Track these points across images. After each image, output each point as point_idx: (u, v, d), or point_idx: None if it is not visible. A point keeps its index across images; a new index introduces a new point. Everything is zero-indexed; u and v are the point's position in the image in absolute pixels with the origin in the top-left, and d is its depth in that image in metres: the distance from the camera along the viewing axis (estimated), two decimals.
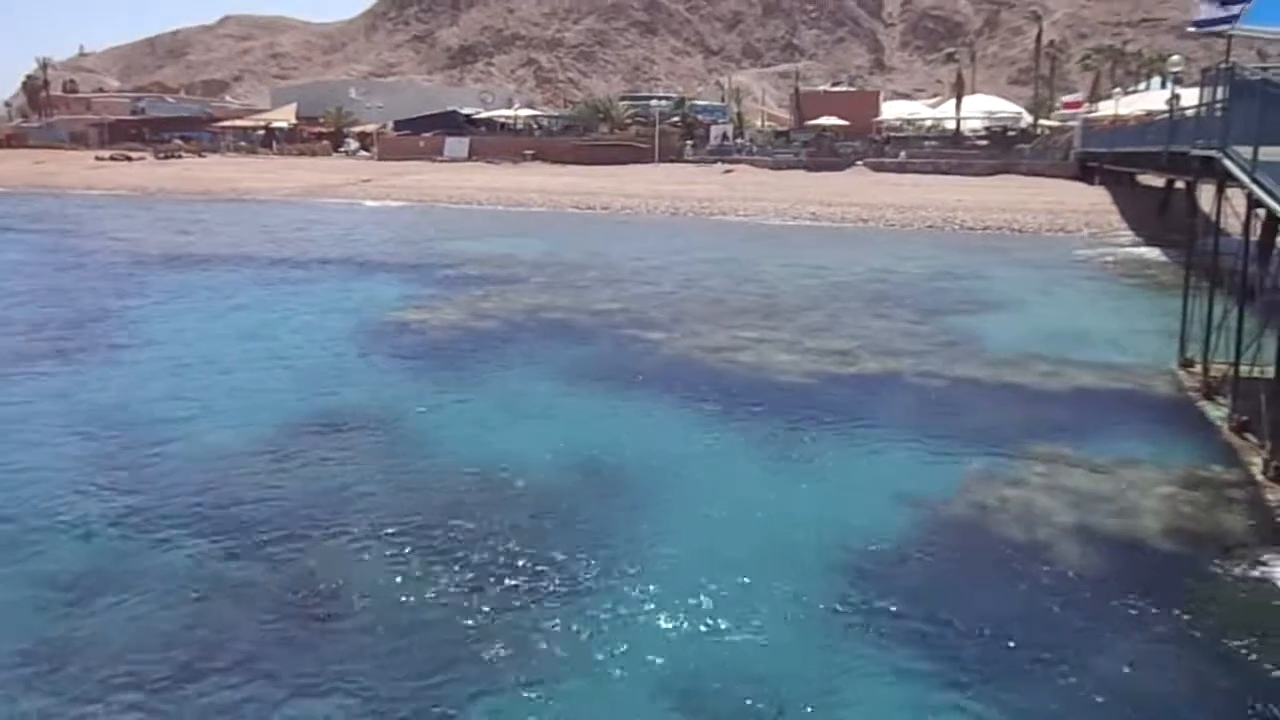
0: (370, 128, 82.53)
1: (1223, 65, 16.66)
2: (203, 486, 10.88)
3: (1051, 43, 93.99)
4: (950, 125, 66.82)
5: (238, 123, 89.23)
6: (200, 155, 76.75)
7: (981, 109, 68.34)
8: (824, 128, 67.30)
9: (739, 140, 71.22)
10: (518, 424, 13.23)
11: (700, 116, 77.64)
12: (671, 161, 66.02)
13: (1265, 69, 15.01)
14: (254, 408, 13.76)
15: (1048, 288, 24.81)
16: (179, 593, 8.58)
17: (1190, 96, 25.93)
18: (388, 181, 56.97)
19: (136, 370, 15.94)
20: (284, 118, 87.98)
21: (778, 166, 61.40)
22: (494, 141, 75.10)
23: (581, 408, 14.07)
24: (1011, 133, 63.72)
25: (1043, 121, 66.45)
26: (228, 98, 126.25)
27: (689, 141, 69.46)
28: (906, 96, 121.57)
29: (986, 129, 65.88)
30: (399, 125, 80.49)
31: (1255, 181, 12.55)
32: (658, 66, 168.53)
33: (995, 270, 27.39)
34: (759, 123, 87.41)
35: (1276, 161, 11.62)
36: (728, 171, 60.34)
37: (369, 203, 49.54)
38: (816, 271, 26.80)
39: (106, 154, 74.53)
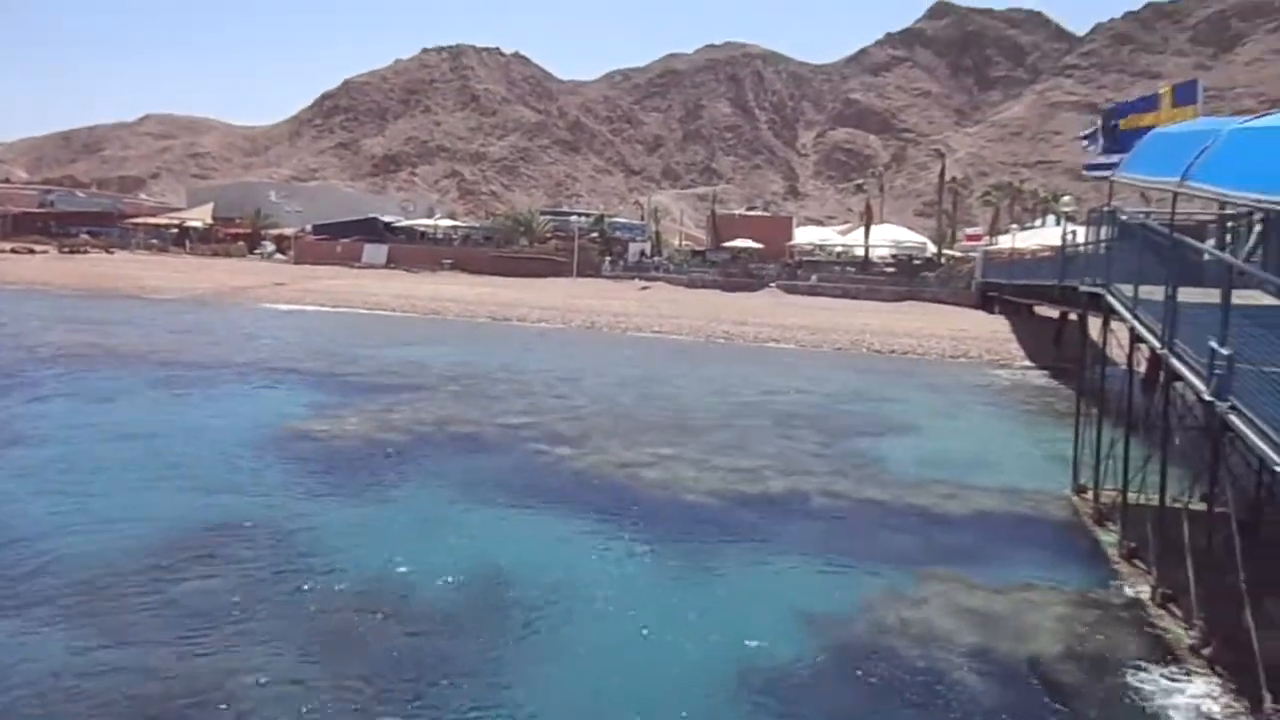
0: (288, 231, 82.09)
1: (1105, 207, 17.76)
2: (71, 599, 10.26)
3: (954, 179, 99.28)
4: (860, 252, 69.35)
5: (151, 220, 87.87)
6: (109, 251, 75.08)
7: (889, 238, 71.14)
8: (739, 249, 69.29)
9: (656, 258, 72.80)
10: (415, 541, 12.87)
11: (619, 233, 79.27)
12: (589, 276, 66.86)
13: (1148, 213, 16.00)
14: (132, 518, 13.12)
15: (950, 411, 25.49)
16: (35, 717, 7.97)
17: (1081, 234, 27.50)
18: (303, 285, 56.37)
19: (4, 472, 15.14)
20: (200, 217, 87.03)
21: (694, 285, 62.72)
22: (413, 249, 75.33)
23: (483, 524, 13.78)
24: (917, 261, 66.38)
25: (946, 251, 69.46)
26: (143, 195, 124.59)
27: (607, 257, 70.64)
28: (819, 223, 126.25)
29: (894, 257, 68.52)
30: (318, 229, 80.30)
31: (1136, 318, 13.23)
32: (579, 183, 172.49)
33: (901, 393, 28.08)
34: (676, 242, 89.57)
35: (1155, 300, 12.29)
36: (644, 288, 61.33)
37: (282, 306, 48.85)
38: (728, 389, 27.13)
39: (8, 246, 72.42)
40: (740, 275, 64.47)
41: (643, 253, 73.68)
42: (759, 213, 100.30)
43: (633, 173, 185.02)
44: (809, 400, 26.10)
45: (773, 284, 62.20)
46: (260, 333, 37.27)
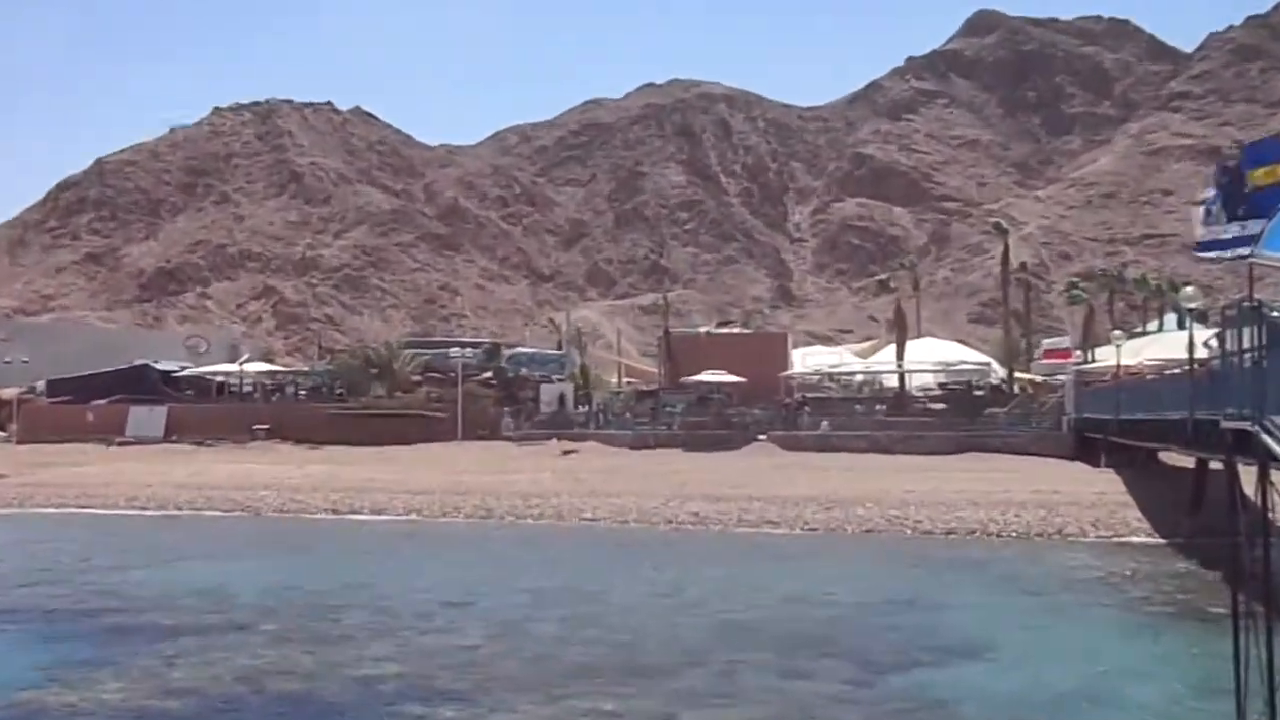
0: (8, 392, 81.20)
1: (1248, 302, 18.24)
2: None
3: (1024, 266, 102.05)
4: (891, 381, 70.42)
5: None
6: None
7: (934, 358, 72.54)
8: (709, 386, 69.94)
9: (585, 406, 73.14)
10: None
11: (526, 371, 79.79)
12: (483, 438, 66.85)
13: None
14: None
15: (1043, 621, 25.50)
16: None
17: (1217, 342, 28.22)
18: (32, 478, 55.56)
19: None
20: None
21: (642, 444, 62.99)
22: (207, 411, 75.10)
23: None
24: (978, 391, 67.57)
25: (1020, 375, 70.86)
26: None
27: (509, 409, 70.80)
28: (826, 340, 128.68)
29: (942, 386, 69.68)
30: (55, 388, 79.64)
31: None
32: (461, 298, 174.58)
33: (966, 595, 28.10)
34: (614, 379, 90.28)
35: None
36: (567, 453, 61.34)
37: None
38: (701, 603, 26.94)
39: None
40: (713, 425, 64.91)
41: (563, 398, 74.08)
42: (736, 330, 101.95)
43: (542, 278, 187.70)
44: (828, 613, 25.96)
45: (762, 436, 62.63)
46: None
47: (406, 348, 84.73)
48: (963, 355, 75.83)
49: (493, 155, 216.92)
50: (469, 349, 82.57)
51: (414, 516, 44.97)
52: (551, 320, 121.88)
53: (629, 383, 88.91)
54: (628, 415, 69.94)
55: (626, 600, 27.77)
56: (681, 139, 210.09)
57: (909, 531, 38.97)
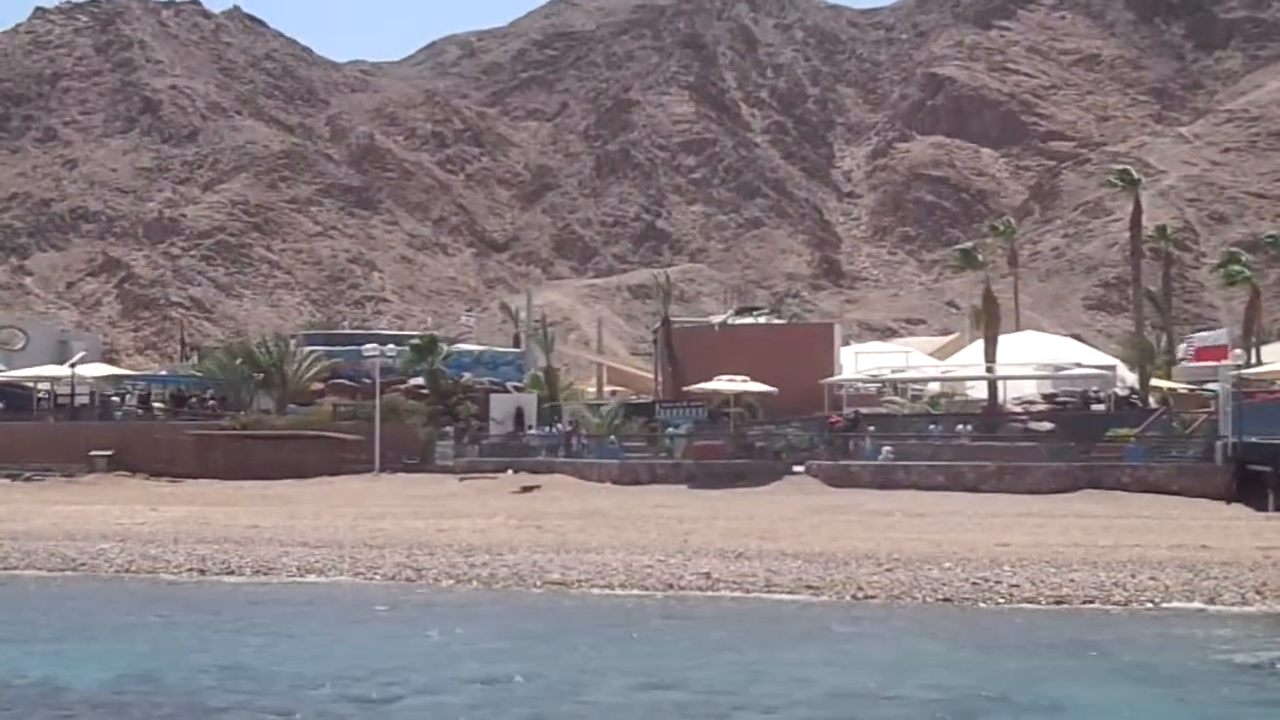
0: None
1: None
2: None
3: (1163, 231, 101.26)
4: (978, 393, 70.49)
5: None
6: None
7: (1038, 359, 72.51)
8: (724, 396, 69.92)
9: (551, 426, 73.10)
10: None
11: (470, 377, 79.81)
12: (410, 469, 66.79)
13: None
14: None
15: None
16: None
17: None
18: None
19: None
20: None
21: (631, 478, 63.14)
22: (23, 433, 74.85)
23: None
24: (1098, 406, 67.60)
25: (1158, 383, 70.92)
26: None
27: (446, 429, 70.76)
28: (888, 333, 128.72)
29: (1049, 399, 69.75)
30: None
31: None
32: (380, 275, 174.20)
33: (1082, 691, 28.10)
34: (593, 388, 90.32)
35: None
36: (528, 490, 61.36)
37: None
38: (712, 703, 26.92)
39: None
40: (731, 453, 64.89)
41: (521, 414, 73.99)
42: (763, 320, 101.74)
43: (493, 248, 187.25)
44: (889, 714, 26.02)
45: (799, 467, 62.63)
46: None
47: (305, 344, 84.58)
48: (1078, 355, 75.99)
49: (424, 77, 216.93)
50: (391, 345, 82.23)
51: (314, 578, 44.81)
52: (506, 306, 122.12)
53: (614, 392, 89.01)
54: (612, 438, 69.78)
55: (610, 698, 27.70)
56: (686, 53, 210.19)
57: (1002, 600, 38.99)
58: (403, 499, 59.83)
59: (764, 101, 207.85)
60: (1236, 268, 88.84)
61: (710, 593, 41.19)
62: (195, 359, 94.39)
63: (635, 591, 41.66)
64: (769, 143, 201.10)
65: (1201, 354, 74.84)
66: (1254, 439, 52.65)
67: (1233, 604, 37.83)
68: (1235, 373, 62.34)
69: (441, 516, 54.24)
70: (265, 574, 45.66)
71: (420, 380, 76.87)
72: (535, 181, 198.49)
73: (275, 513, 55.90)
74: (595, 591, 41.80)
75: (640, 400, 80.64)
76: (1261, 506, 50.89)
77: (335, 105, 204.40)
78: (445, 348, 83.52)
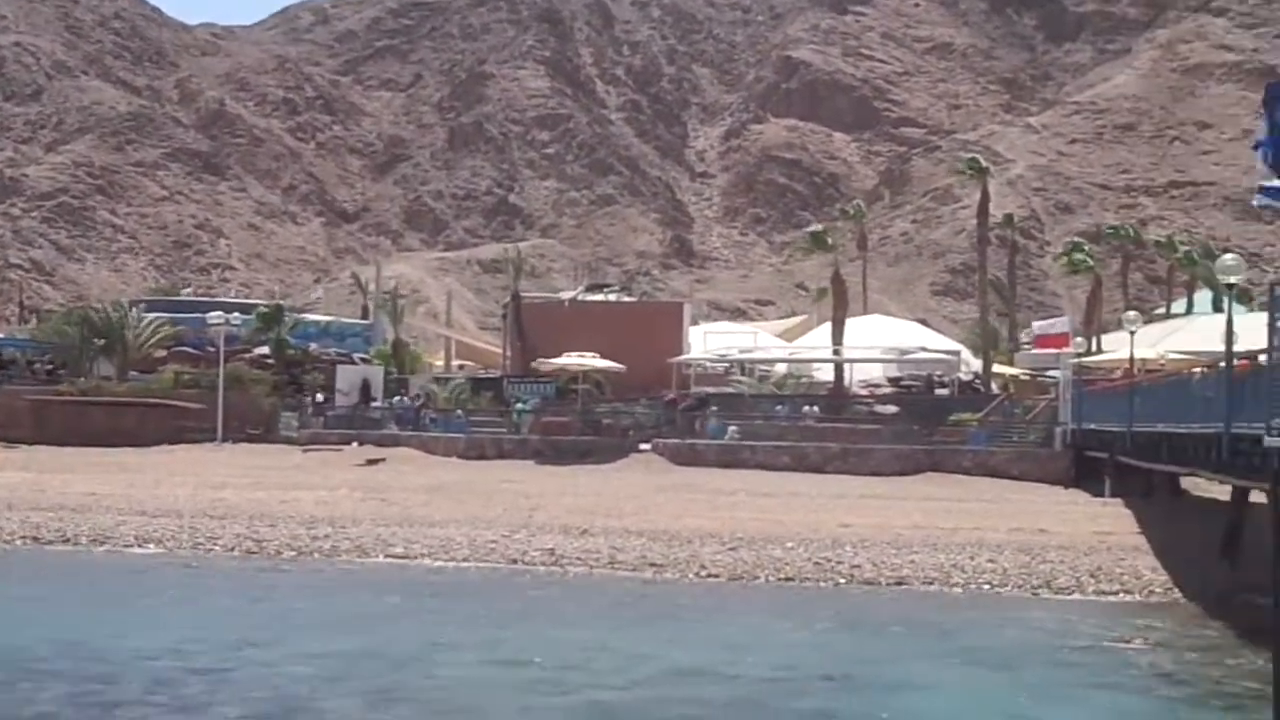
0: None
1: None
2: None
3: (1009, 220, 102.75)
4: (825, 374, 70.93)
5: None
6: None
7: (883, 342, 73.13)
8: (572, 373, 69.95)
9: (398, 399, 72.80)
10: None
11: (316, 347, 79.24)
12: (253, 439, 66.33)
13: None
14: None
15: (1023, 710, 25.84)
16: None
17: (1256, 326, 28.71)
18: None
19: None
20: None
21: (478, 453, 63.33)
22: None
23: None
24: (942, 390, 68.33)
25: (1000, 369, 71.83)
26: None
27: (290, 400, 70.28)
28: (737, 314, 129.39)
29: (894, 382, 70.37)
30: None
31: None
32: (227, 242, 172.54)
33: (919, 671, 28.37)
34: (441, 362, 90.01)
35: None
36: (373, 463, 61.30)
37: None
38: (558, 678, 26.92)
39: None
40: (578, 429, 65.00)
41: (368, 386, 73.59)
42: (613, 297, 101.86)
43: (342, 217, 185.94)
44: (731, 693, 26.09)
45: (646, 445, 62.82)
46: None
47: (147, 311, 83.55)
48: (924, 340, 76.65)
49: (276, 42, 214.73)
50: (236, 314, 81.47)
51: (152, 548, 44.38)
52: (355, 277, 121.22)
53: (462, 366, 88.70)
54: (459, 413, 69.70)
55: (453, 671, 27.59)
56: (543, 27, 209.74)
57: (844, 581, 39.30)
58: (245, 469, 59.41)
59: (619, 79, 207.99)
60: (1080, 257, 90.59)
61: (555, 569, 41.26)
62: (33, 323, 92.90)
63: (479, 565, 41.66)
64: (623, 120, 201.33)
65: (1043, 341, 75.82)
66: (1092, 426, 53.39)
67: (1065, 588, 38.42)
68: (1075, 360, 63.33)
69: (284, 488, 53.94)
70: (100, 543, 45.15)
71: (266, 350, 76.23)
72: (387, 152, 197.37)
73: (113, 480, 55.26)
74: (435, 564, 41.76)
75: (488, 375, 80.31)
76: (1098, 492, 51.67)
77: (185, 68, 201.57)
78: (292, 317, 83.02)
